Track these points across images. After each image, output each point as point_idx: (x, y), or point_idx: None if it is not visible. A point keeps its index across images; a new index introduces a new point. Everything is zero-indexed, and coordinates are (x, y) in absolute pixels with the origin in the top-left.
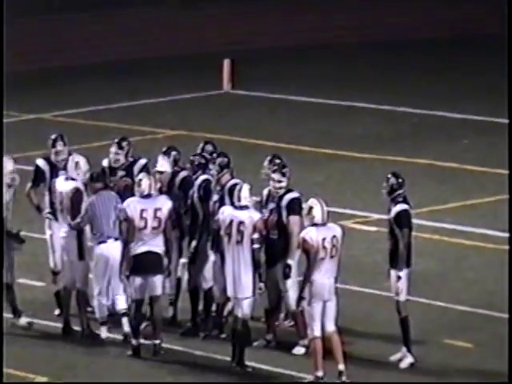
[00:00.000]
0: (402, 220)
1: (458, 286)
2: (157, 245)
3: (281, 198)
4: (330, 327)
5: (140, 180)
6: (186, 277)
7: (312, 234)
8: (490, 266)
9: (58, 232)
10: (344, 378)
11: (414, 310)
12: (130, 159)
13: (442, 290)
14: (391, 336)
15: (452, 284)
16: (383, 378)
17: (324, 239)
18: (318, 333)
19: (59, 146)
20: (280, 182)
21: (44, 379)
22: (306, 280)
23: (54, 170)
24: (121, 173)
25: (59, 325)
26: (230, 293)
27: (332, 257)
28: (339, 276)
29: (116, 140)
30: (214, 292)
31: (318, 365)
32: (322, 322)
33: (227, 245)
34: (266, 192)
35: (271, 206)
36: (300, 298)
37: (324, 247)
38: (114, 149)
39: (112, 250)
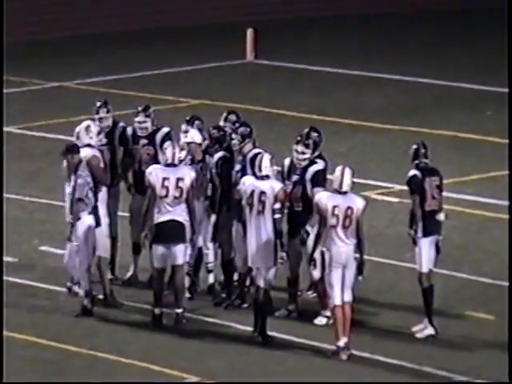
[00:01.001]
0: (410, 185)
1: (480, 257)
2: (179, 214)
3: (305, 169)
4: (345, 297)
5: (165, 148)
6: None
7: (323, 199)
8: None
9: None
10: (342, 355)
11: (436, 281)
12: (153, 128)
13: (463, 262)
14: (413, 307)
15: (473, 256)
16: (404, 349)
17: (335, 207)
18: (338, 301)
19: (102, 113)
20: (303, 153)
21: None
22: (316, 242)
23: None
24: (143, 141)
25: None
26: (251, 263)
27: (345, 227)
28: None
29: (141, 108)
30: (236, 262)
31: (339, 334)
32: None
33: (249, 215)
34: (287, 163)
35: (295, 178)
36: (310, 260)
37: (334, 215)
38: (140, 117)
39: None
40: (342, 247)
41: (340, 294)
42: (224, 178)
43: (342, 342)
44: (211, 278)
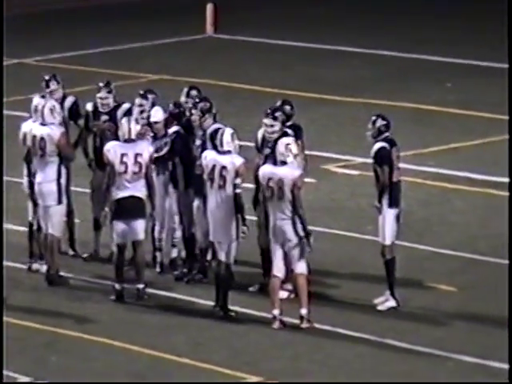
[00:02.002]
0: (380, 157)
1: (441, 229)
2: (139, 190)
3: (276, 142)
4: (296, 268)
5: (121, 124)
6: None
7: (261, 171)
8: (473, 210)
9: None
10: (304, 324)
11: (397, 253)
12: (114, 104)
13: (425, 234)
14: (375, 279)
15: (435, 227)
16: (366, 322)
17: (270, 179)
18: (276, 272)
19: (53, 86)
20: (272, 126)
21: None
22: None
23: None
24: (104, 117)
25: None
26: (212, 237)
27: (280, 198)
28: (322, 219)
29: (102, 84)
30: (197, 236)
31: (273, 303)
32: (292, 263)
33: (210, 189)
34: (260, 136)
35: (266, 151)
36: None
37: (269, 187)
38: (102, 93)
39: None
40: (277, 220)
41: (281, 266)
42: (177, 153)
43: (276, 310)
44: (174, 252)
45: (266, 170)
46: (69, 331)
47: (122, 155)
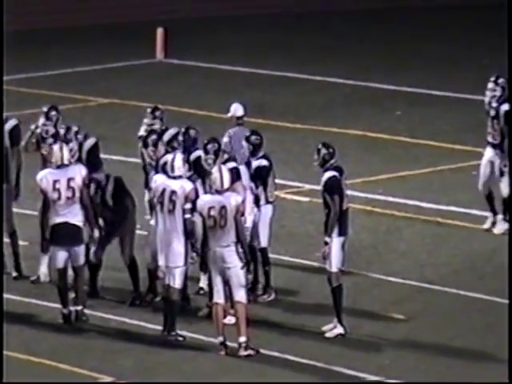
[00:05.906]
0: (331, 186)
1: (390, 257)
2: (74, 216)
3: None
4: (235, 296)
5: (51, 150)
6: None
7: (200, 202)
8: (421, 238)
9: None
10: (242, 352)
11: (346, 281)
12: (61, 129)
13: (373, 262)
14: (323, 306)
15: (383, 255)
16: (313, 348)
17: (211, 208)
18: (218, 299)
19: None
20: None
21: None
22: (203, 245)
23: None
24: (50, 140)
25: None
26: (160, 261)
27: (222, 227)
28: (270, 246)
29: (44, 109)
30: (146, 256)
31: (218, 330)
32: (231, 289)
33: (159, 213)
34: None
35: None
36: (202, 264)
37: (210, 216)
38: (42, 120)
39: None
40: (218, 248)
41: (222, 293)
42: None
43: (221, 337)
44: None
45: (206, 200)
46: (16, 354)
47: (55, 182)
